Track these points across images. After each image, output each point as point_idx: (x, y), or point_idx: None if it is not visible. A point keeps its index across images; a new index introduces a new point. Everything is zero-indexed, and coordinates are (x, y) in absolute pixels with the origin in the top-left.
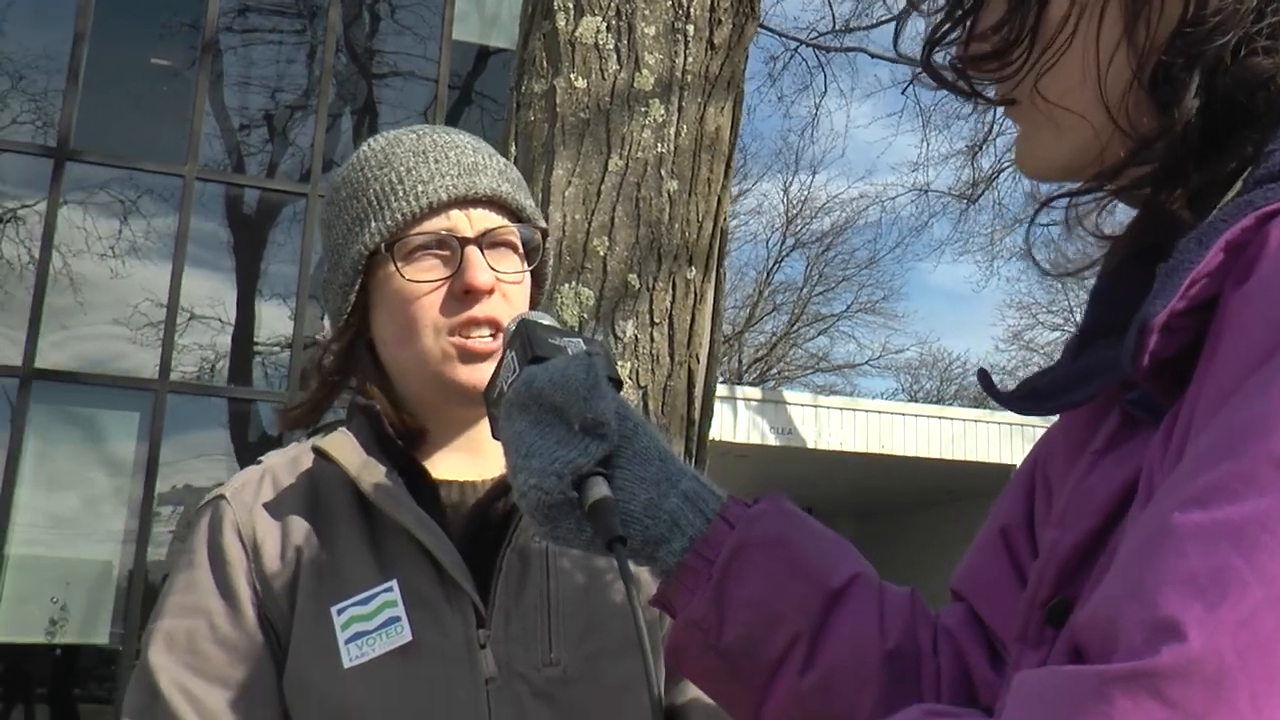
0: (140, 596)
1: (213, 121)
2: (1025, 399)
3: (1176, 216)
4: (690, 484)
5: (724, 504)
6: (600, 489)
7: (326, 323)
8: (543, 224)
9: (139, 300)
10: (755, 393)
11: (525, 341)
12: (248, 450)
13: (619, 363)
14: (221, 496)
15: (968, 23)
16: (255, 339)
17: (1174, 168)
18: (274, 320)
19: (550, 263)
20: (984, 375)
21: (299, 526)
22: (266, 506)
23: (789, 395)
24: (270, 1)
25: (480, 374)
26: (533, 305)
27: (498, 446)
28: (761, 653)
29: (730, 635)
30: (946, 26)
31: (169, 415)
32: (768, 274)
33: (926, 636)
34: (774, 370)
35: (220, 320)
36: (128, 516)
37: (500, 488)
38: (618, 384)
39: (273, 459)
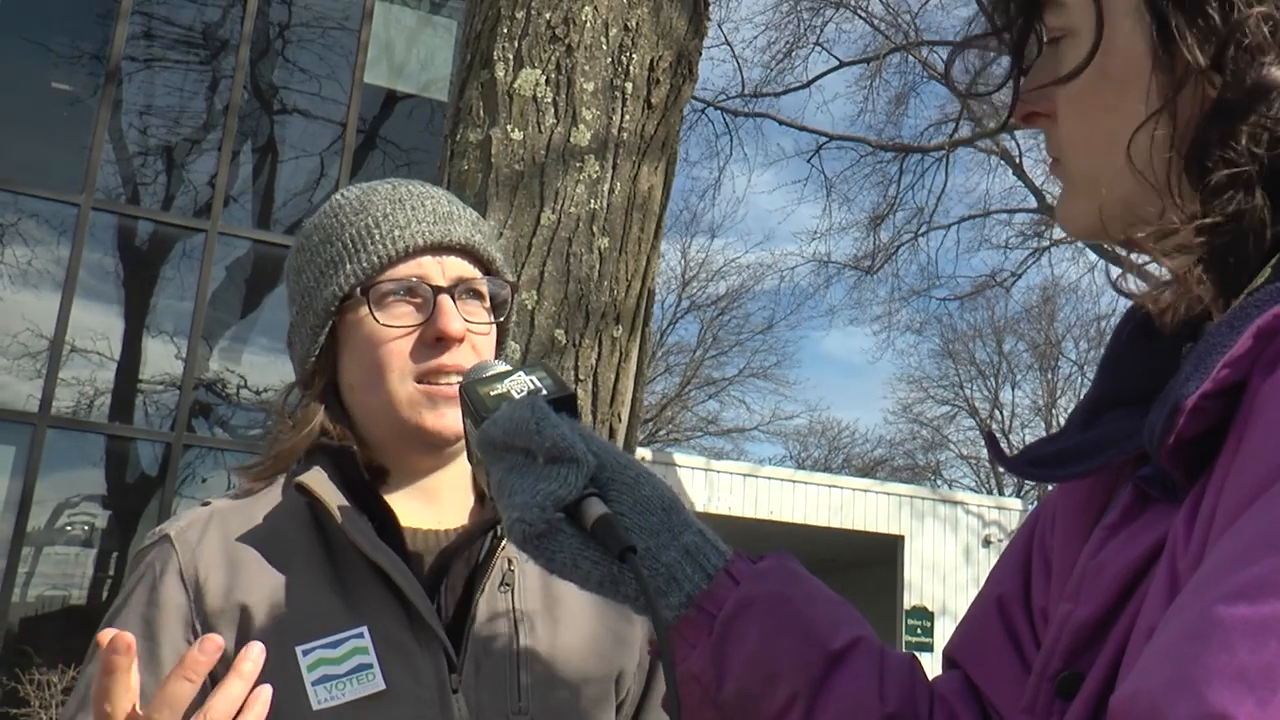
0: (2, 639)
1: (110, 150)
2: (1031, 465)
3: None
4: (693, 538)
5: (729, 559)
6: (598, 507)
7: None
8: (511, 278)
9: (19, 330)
10: (645, 453)
11: (470, 407)
12: (124, 490)
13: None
14: (166, 537)
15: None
16: (140, 376)
17: (1231, 252)
18: (161, 358)
19: (514, 318)
20: (991, 439)
21: (249, 567)
22: (214, 547)
23: (680, 458)
24: (177, 32)
25: (446, 419)
26: (496, 358)
27: (456, 496)
28: (759, 710)
29: (728, 691)
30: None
31: (46, 450)
32: (661, 335)
33: (924, 703)
34: (663, 432)
35: (103, 355)
36: None
37: (465, 538)
38: (571, 400)
39: (220, 501)
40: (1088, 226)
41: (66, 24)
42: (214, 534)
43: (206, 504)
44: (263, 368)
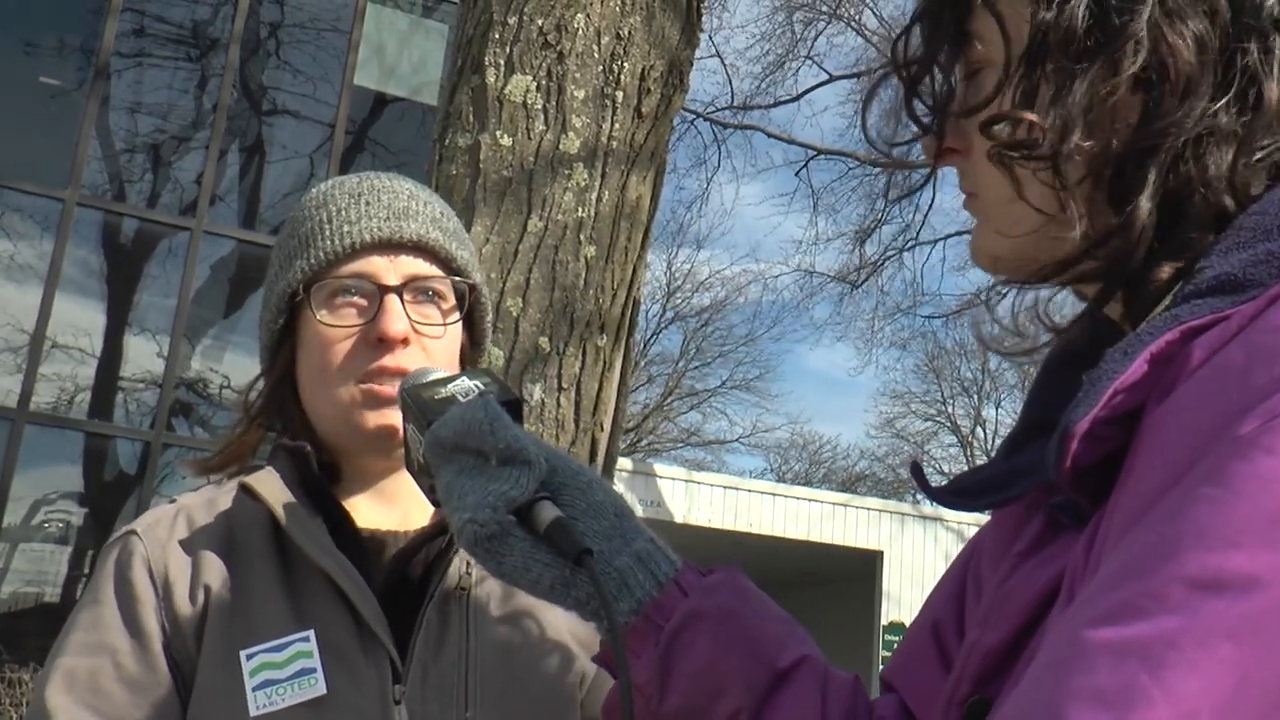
0: None
1: (97, 147)
2: (954, 494)
3: (1111, 321)
4: (645, 545)
5: (678, 570)
6: (551, 510)
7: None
8: (475, 277)
9: (0, 325)
10: (626, 464)
11: (414, 410)
12: (102, 488)
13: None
14: (132, 532)
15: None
16: (121, 374)
17: (1121, 266)
18: (143, 356)
19: (488, 318)
20: (916, 468)
21: (212, 567)
22: (180, 544)
23: (660, 468)
24: (168, 30)
25: (387, 418)
26: (468, 363)
27: (417, 497)
28: None
29: (671, 704)
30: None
31: (24, 446)
32: (644, 345)
33: None
34: (644, 442)
35: (85, 351)
36: None
37: (421, 539)
38: (517, 404)
39: (187, 498)
40: (1005, 261)
41: (56, 18)
42: (180, 531)
43: (172, 501)
44: (245, 368)
